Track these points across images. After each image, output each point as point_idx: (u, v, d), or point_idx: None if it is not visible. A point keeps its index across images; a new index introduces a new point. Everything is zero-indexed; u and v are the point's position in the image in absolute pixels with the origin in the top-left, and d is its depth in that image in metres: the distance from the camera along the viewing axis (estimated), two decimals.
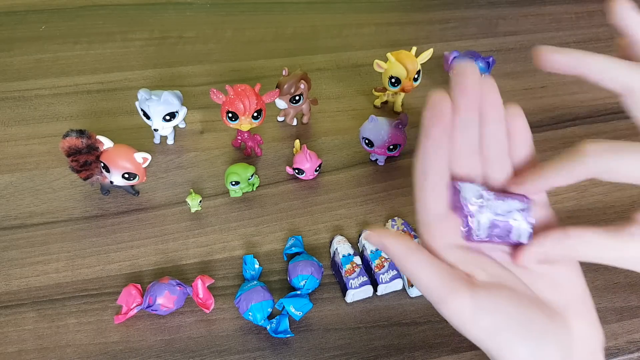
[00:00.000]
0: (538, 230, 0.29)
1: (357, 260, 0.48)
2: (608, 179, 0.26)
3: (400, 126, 0.55)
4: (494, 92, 0.29)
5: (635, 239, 0.27)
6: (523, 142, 0.30)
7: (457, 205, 0.29)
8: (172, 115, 0.55)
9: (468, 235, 0.29)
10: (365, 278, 0.46)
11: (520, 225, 0.29)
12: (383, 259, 0.47)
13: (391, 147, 0.55)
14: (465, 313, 0.27)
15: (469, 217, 0.28)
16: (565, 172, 0.27)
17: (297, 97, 0.58)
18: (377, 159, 0.58)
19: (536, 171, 0.29)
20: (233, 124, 0.54)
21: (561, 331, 0.28)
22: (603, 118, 0.64)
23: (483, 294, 0.27)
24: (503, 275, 0.28)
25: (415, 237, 0.50)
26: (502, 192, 0.30)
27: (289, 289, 0.47)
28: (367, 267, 0.48)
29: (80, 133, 0.48)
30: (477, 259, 0.29)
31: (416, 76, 0.59)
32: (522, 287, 0.28)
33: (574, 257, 0.29)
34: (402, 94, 0.62)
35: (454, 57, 0.62)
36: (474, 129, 0.29)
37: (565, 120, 0.64)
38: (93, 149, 0.49)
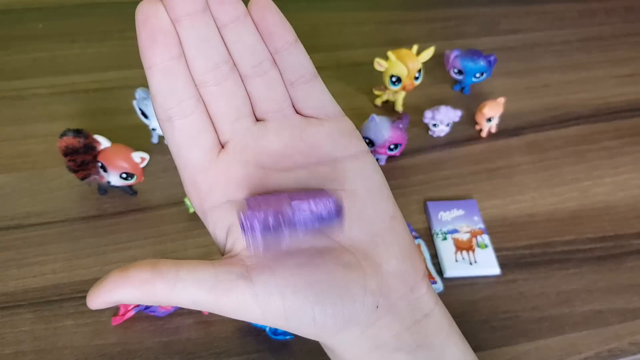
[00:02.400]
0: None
1: None
2: None
3: (401, 125, 0.54)
4: None
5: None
6: (284, 42, 0.25)
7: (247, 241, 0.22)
8: None
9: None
10: None
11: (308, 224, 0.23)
12: None
13: (392, 146, 0.55)
14: (250, 308, 0.22)
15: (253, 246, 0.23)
16: None
17: None
18: (377, 159, 0.58)
19: None
20: None
21: (369, 277, 0.24)
22: (605, 117, 0.64)
23: (264, 277, 0.22)
24: None
25: (416, 237, 0.50)
26: (300, 191, 0.24)
27: None
28: None
29: (78, 132, 0.48)
30: None
31: (417, 75, 0.59)
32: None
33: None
34: (403, 93, 0.62)
35: (455, 56, 0.62)
36: (214, 40, 0.23)
37: (568, 119, 0.63)
38: (90, 149, 0.48)
